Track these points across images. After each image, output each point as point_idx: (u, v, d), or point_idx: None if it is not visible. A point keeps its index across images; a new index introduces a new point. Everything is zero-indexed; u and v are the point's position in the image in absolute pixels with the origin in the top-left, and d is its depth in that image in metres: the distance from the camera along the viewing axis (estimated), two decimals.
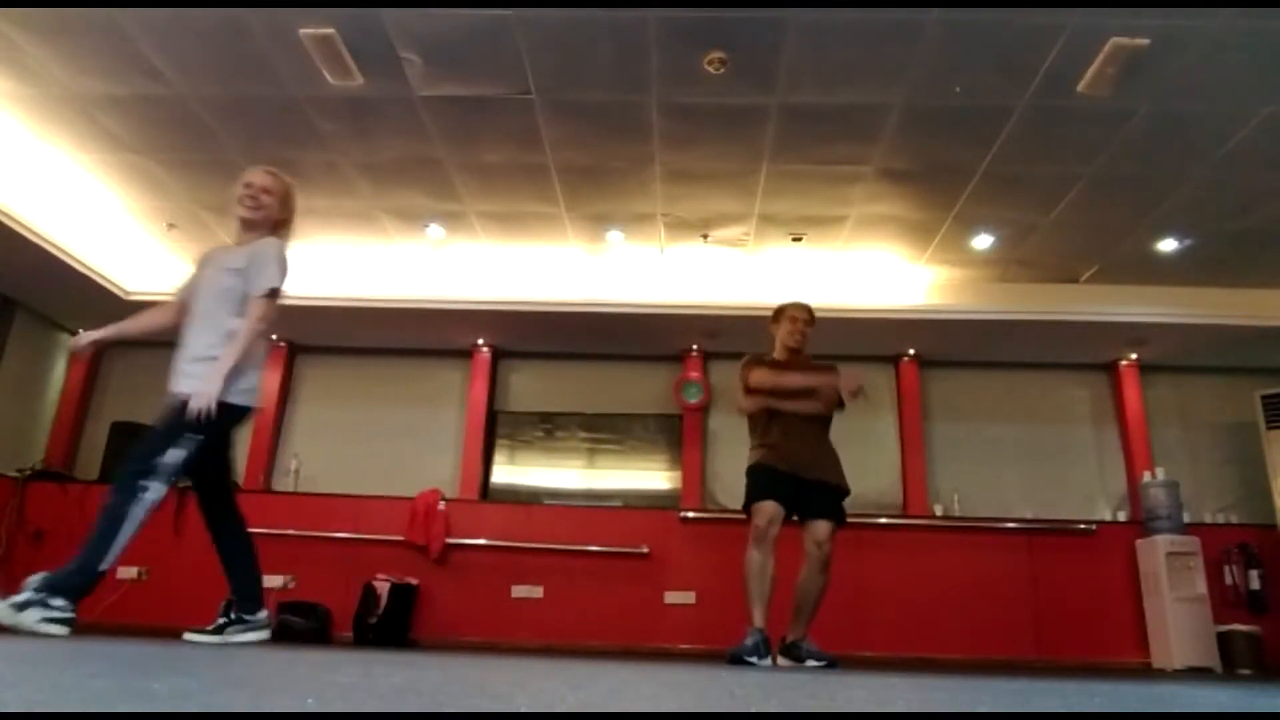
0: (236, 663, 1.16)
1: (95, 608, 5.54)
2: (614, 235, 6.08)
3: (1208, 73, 4.10)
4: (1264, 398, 6.34)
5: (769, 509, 3.56)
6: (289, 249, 3.14)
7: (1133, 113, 4.47)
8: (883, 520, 6.28)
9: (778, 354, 4.08)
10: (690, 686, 1.04)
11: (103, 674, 0.86)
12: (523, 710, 0.64)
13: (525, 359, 7.41)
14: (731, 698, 0.86)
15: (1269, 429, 6.29)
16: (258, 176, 3.11)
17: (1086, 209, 5.45)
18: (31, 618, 2.51)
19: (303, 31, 4.04)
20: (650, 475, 7.16)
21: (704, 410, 7.11)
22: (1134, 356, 7.00)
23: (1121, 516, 6.53)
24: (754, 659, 3.41)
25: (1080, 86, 4.21)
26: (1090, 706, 0.83)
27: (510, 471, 7.18)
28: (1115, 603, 5.85)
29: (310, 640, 5.16)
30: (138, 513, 2.84)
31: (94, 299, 6.34)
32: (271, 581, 5.56)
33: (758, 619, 3.49)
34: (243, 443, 6.99)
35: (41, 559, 5.80)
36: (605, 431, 7.27)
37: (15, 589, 2.64)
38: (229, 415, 2.92)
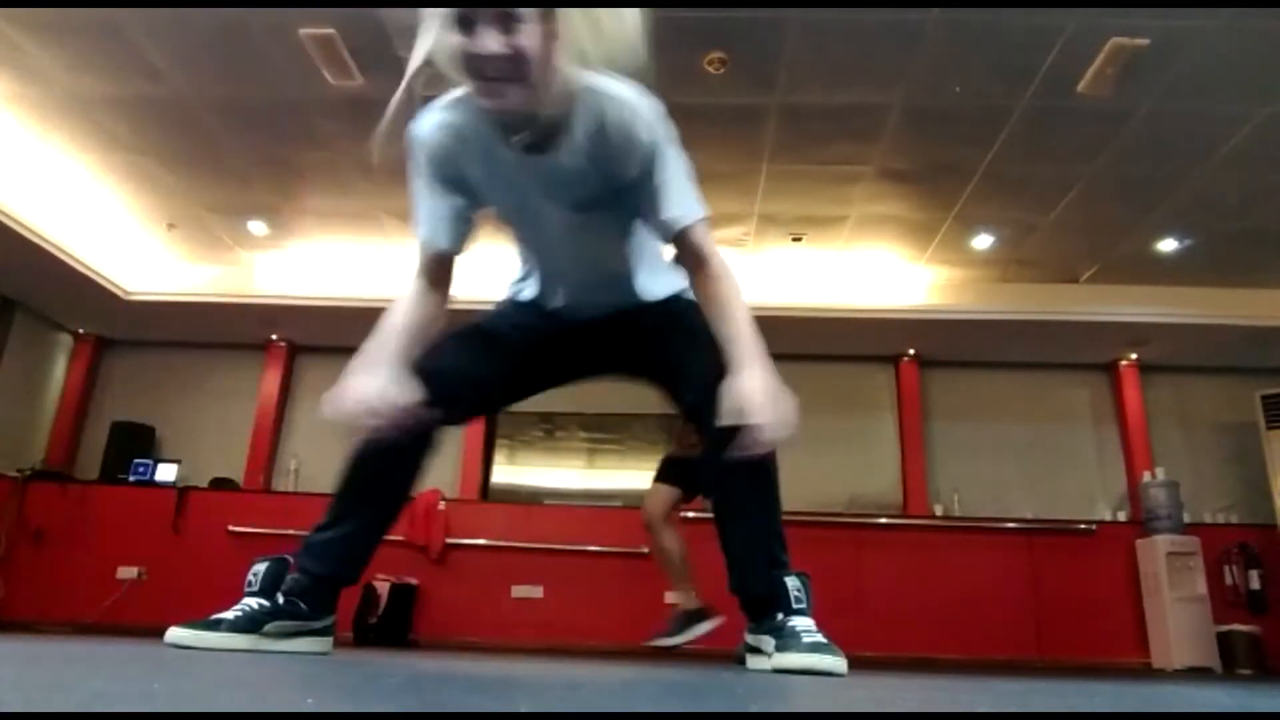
0: (236, 663, 1.16)
1: (95, 608, 5.55)
2: None
3: (1208, 73, 4.10)
4: (1264, 398, 6.33)
5: None
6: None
7: (1133, 113, 4.47)
8: (883, 520, 6.28)
9: None
10: (690, 686, 1.04)
11: (103, 674, 0.86)
12: (523, 710, 0.64)
13: None
14: (731, 698, 0.86)
15: (1269, 429, 6.28)
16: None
17: (1086, 209, 5.45)
18: None
19: (303, 31, 4.04)
20: (650, 475, 7.15)
21: None
22: (1134, 356, 7.00)
23: (1121, 516, 6.53)
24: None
25: (1080, 86, 4.22)
26: (1090, 706, 0.83)
27: (510, 471, 7.18)
28: (1115, 603, 5.85)
29: None
30: None
31: (94, 299, 6.35)
32: None
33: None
34: (243, 443, 6.99)
35: (41, 559, 5.81)
36: (605, 431, 7.27)
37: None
38: None
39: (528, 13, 1.25)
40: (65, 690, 0.67)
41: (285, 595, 1.51)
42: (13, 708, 0.52)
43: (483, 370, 1.65)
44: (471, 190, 1.52)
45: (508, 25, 1.25)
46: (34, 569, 5.76)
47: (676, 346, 1.60)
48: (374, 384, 1.42)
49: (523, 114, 1.36)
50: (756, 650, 1.59)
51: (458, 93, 1.41)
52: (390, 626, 5.39)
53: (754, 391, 1.33)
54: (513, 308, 1.73)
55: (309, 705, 0.63)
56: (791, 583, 1.56)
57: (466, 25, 1.27)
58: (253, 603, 1.49)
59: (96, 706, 0.57)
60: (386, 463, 1.60)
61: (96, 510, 5.98)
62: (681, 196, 1.44)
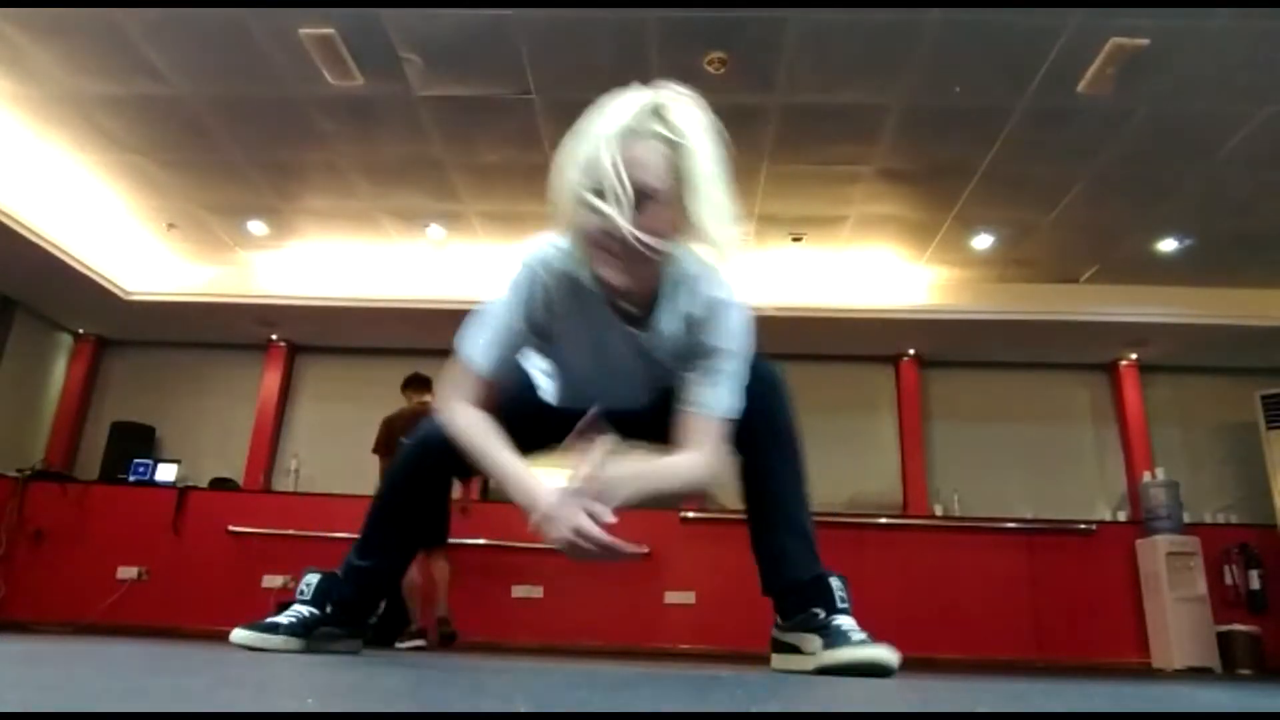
0: (236, 663, 1.16)
1: (95, 608, 5.55)
2: None
3: (1208, 73, 4.10)
4: (1264, 398, 6.34)
5: None
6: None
7: (1133, 113, 4.47)
8: (883, 520, 6.28)
9: None
10: (690, 686, 1.04)
11: (103, 674, 0.86)
12: (522, 710, 0.64)
13: None
14: (731, 698, 0.86)
15: (1269, 429, 6.29)
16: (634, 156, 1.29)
17: (1086, 209, 5.45)
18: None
19: (303, 31, 4.04)
20: None
21: None
22: (1134, 356, 7.00)
23: (1121, 516, 6.53)
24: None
25: (1080, 86, 4.22)
26: (1090, 706, 0.83)
27: None
28: (1115, 603, 5.85)
29: None
30: None
31: (94, 299, 6.35)
32: (271, 582, 5.57)
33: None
34: (243, 443, 6.99)
35: (41, 559, 5.81)
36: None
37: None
38: None
39: (664, 194, 1.27)
40: (65, 690, 0.67)
41: (333, 605, 1.67)
42: (13, 708, 0.52)
43: (531, 426, 1.63)
44: (547, 334, 1.50)
45: (642, 205, 1.26)
46: (34, 569, 5.76)
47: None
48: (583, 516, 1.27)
49: (633, 290, 1.36)
50: (792, 649, 1.55)
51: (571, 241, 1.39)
52: (390, 626, 5.38)
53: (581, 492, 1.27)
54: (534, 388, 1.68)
55: (309, 705, 0.63)
56: (835, 581, 1.55)
57: (601, 199, 1.26)
58: (304, 610, 1.65)
59: (96, 706, 0.57)
60: (415, 504, 1.71)
61: (96, 510, 5.98)
62: (726, 397, 1.42)
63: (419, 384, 5.14)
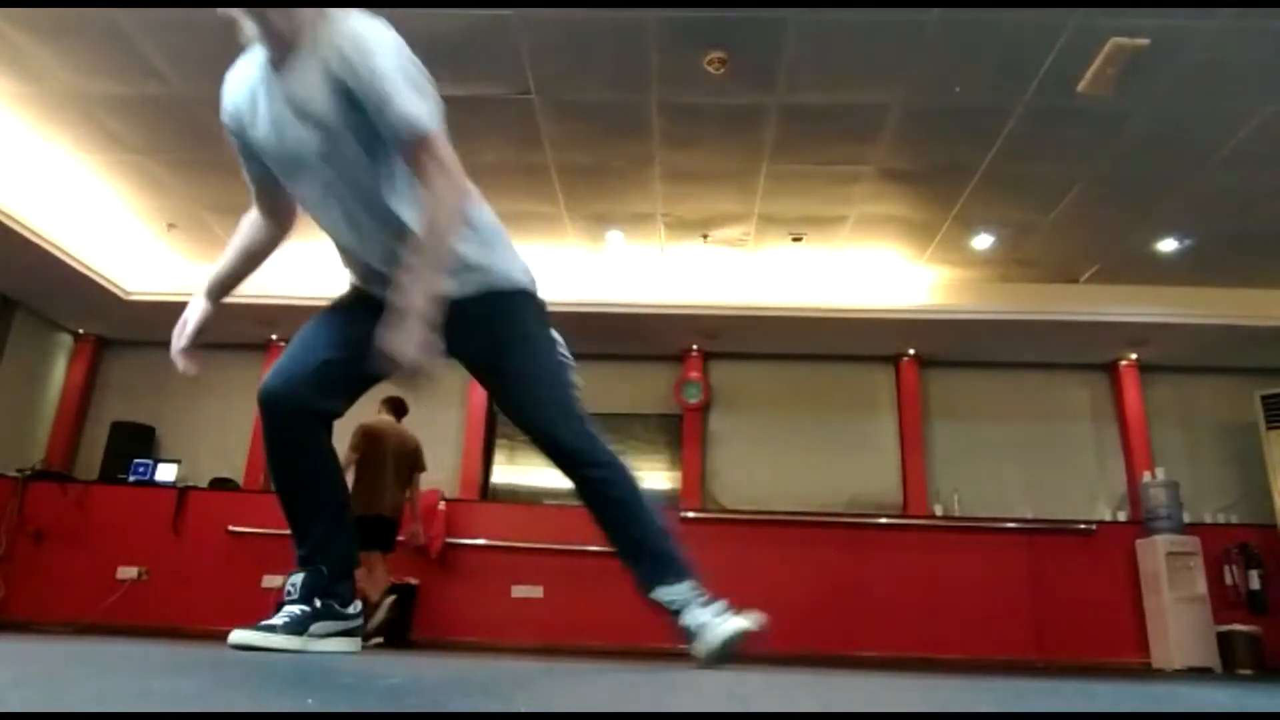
0: (236, 663, 1.16)
1: (95, 608, 5.55)
2: (614, 235, 6.08)
3: (1208, 73, 4.10)
4: (1264, 398, 6.34)
5: None
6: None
7: (1133, 113, 4.47)
8: (883, 520, 6.28)
9: None
10: (690, 686, 1.04)
11: (103, 674, 0.86)
12: (522, 710, 0.64)
13: None
14: (731, 698, 0.86)
15: (1269, 429, 6.29)
16: None
17: (1086, 209, 5.45)
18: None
19: None
20: (650, 475, 7.15)
21: (704, 410, 7.10)
22: (1134, 356, 7.00)
23: (1121, 516, 6.53)
24: None
25: (1080, 86, 4.21)
26: (1090, 707, 0.83)
27: (510, 471, 7.17)
28: (1115, 603, 5.84)
29: None
30: None
31: (94, 299, 6.35)
32: (271, 582, 5.57)
33: None
34: (243, 443, 6.99)
35: (42, 559, 5.81)
36: (605, 431, 7.26)
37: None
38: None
39: None
40: (65, 690, 0.67)
41: (320, 598, 1.76)
42: (13, 708, 0.52)
43: (335, 356, 1.78)
44: (248, 136, 1.74)
45: None
46: (34, 569, 5.75)
47: (508, 384, 1.89)
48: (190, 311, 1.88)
49: (280, 28, 1.60)
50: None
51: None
52: (390, 626, 5.38)
53: (400, 324, 1.44)
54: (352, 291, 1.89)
55: (309, 705, 0.63)
56: (663, 592, 1.85)
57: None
58: (295, 609, 1.73)
59: (96, 706, 0.57)
60: (296, 469, 1.83)
61: (96, 510, 5.97)
62: (412, 112, 1.51)
63: (391, 405, 5.33)
